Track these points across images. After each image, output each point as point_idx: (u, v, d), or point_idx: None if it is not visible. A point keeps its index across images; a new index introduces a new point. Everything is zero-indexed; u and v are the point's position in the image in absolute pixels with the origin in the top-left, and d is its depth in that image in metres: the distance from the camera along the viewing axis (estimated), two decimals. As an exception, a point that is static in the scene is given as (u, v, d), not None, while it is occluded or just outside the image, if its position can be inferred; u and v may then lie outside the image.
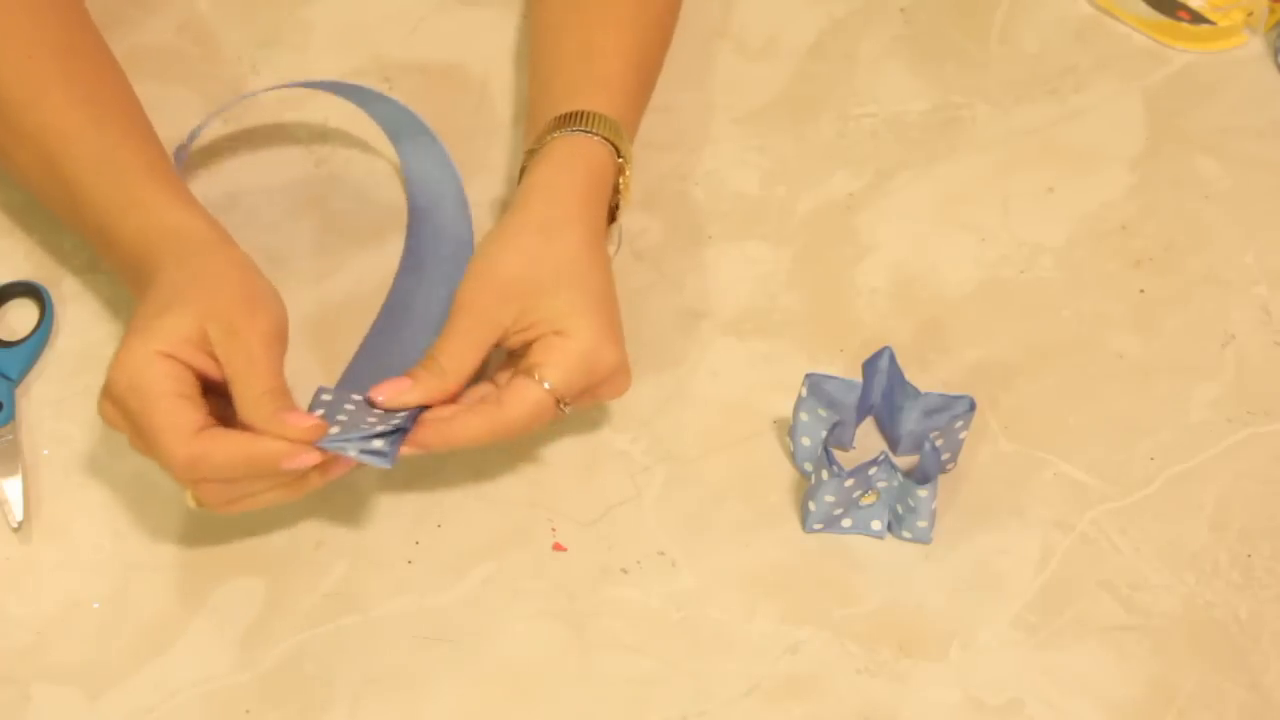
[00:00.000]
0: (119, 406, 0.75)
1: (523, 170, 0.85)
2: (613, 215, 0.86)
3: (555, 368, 0.77)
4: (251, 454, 0.73)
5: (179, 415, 0.73)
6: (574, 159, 0.83)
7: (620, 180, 0.85)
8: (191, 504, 0.76)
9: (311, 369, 0.86)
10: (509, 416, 0.76)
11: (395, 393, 0.76)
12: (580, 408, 0.80)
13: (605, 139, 0.84)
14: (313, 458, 0.74)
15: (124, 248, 0.80)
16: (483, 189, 0.94)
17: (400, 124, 0.92)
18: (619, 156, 0.84)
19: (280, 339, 0.77)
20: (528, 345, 0.78)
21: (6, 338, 0.87)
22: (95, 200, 0.81)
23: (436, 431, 0.76)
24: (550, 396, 0.77)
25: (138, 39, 0.99)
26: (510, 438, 0.77)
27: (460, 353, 0.78)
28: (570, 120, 0.84)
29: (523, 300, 0.79)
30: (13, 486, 0.82)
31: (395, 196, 0.94)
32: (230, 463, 0.73)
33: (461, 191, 0.90)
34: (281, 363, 0.77)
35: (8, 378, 0.85)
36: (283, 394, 0.75)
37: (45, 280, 0.89)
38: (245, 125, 0.96)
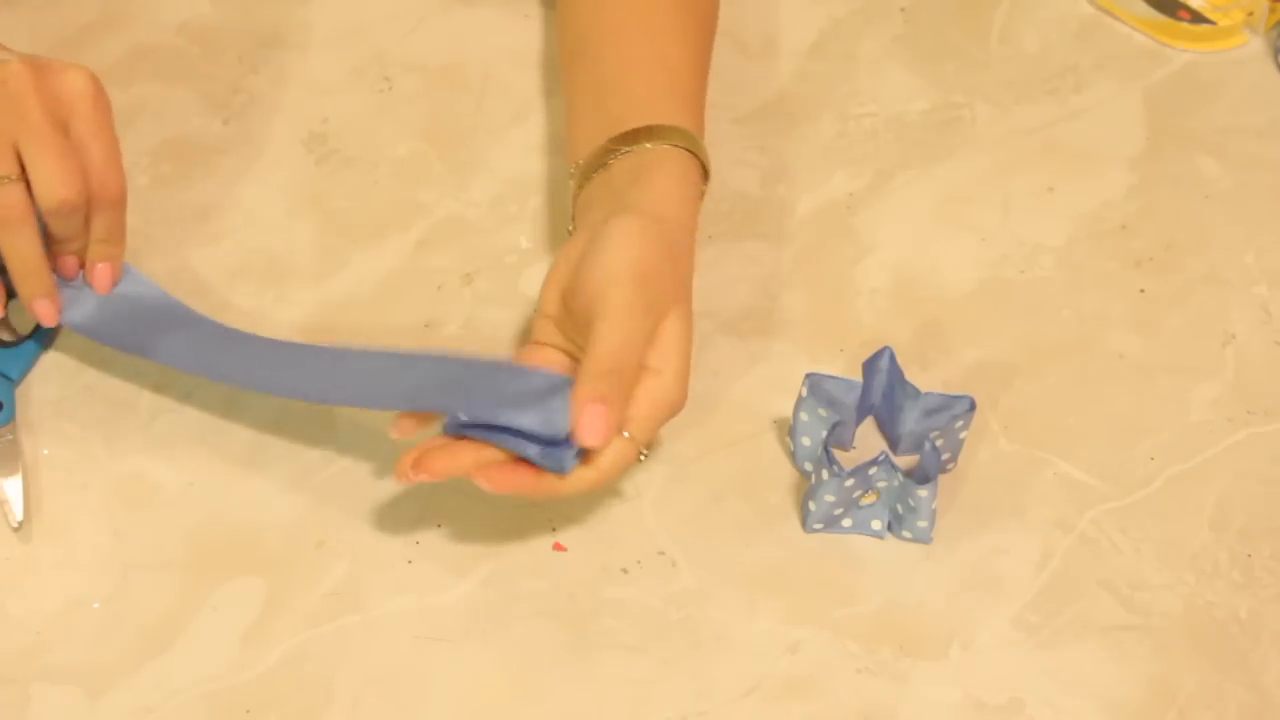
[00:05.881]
0: None
1: (597, 158, 0.84)
2: None
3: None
4: None
5: None
6: (687, 178, 0.83)
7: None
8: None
9: (311, 369, 0.86)
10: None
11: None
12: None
13: (702, 165, 0.84)
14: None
15: None
16: (482, 189, 0.94)
17: None
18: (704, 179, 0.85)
19: None
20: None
21: (6, 338, 0.87)
22: None
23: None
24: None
25: (138, 39, 0.99)
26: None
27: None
28: (667, 135, 0.83)
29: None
30: (13, 486, 0.82)
31: (395, 196, 0.94)
32: None
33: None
34: None
35: (8, 378, 0.85)
36: None
37: (45, 280, 0.89)
38: (245, 125, 0.96)
